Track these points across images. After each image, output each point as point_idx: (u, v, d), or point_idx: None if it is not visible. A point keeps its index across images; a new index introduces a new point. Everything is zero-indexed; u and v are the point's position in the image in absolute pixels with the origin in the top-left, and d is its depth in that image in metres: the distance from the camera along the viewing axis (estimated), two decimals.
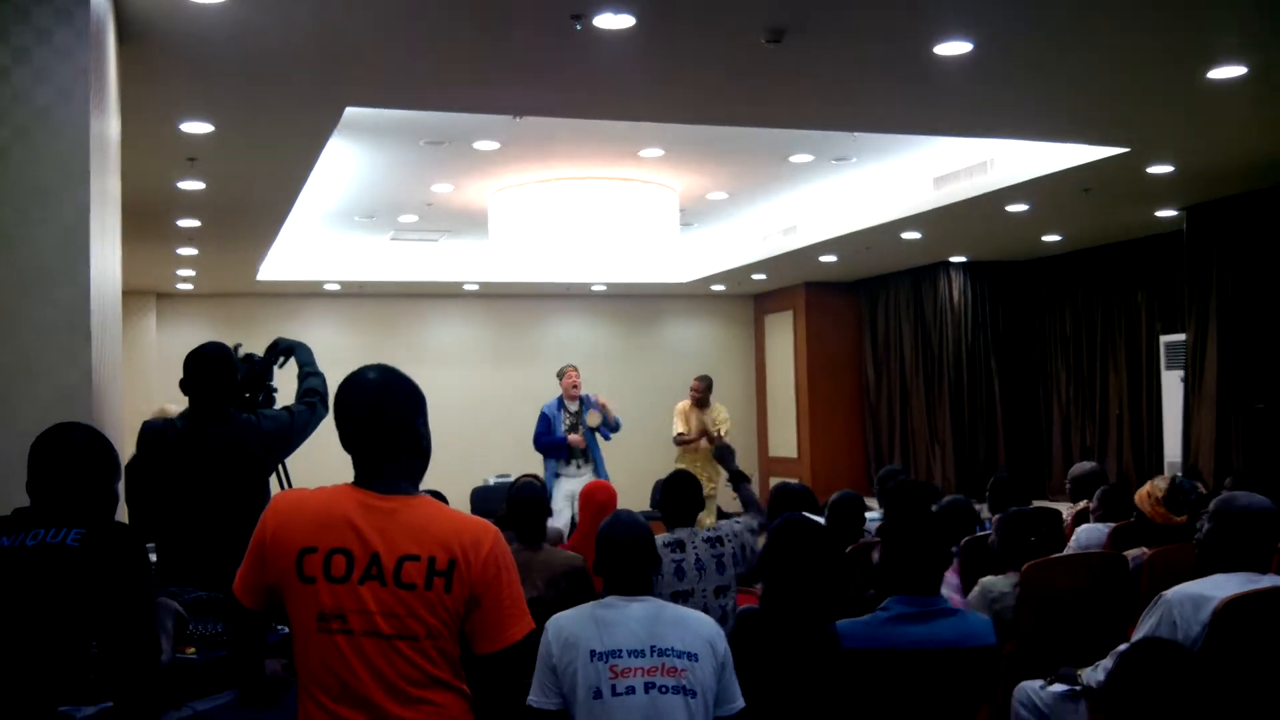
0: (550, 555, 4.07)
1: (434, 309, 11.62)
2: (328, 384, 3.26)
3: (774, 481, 11.82)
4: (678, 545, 3.87)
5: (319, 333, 11.25)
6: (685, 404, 8.75)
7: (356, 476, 1.94)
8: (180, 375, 3.07)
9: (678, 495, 4.05)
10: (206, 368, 3.13)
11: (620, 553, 2.96)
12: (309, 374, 3.31)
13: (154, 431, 3.06)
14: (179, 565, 2.94)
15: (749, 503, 3.90)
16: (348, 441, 1.95)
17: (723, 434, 8.63)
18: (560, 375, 8.30)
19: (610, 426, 8.22)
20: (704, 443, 8.59)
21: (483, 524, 1.93)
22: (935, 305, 10.41)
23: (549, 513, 4.35)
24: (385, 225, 8.98)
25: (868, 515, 5.05)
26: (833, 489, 5.64)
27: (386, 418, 1.91)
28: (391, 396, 1.94)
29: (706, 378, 8.83)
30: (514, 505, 4.17)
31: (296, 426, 3.11)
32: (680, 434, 8.59)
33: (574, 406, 8.11)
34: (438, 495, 3.70)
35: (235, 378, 3.19)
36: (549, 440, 8.03)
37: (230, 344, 3.21)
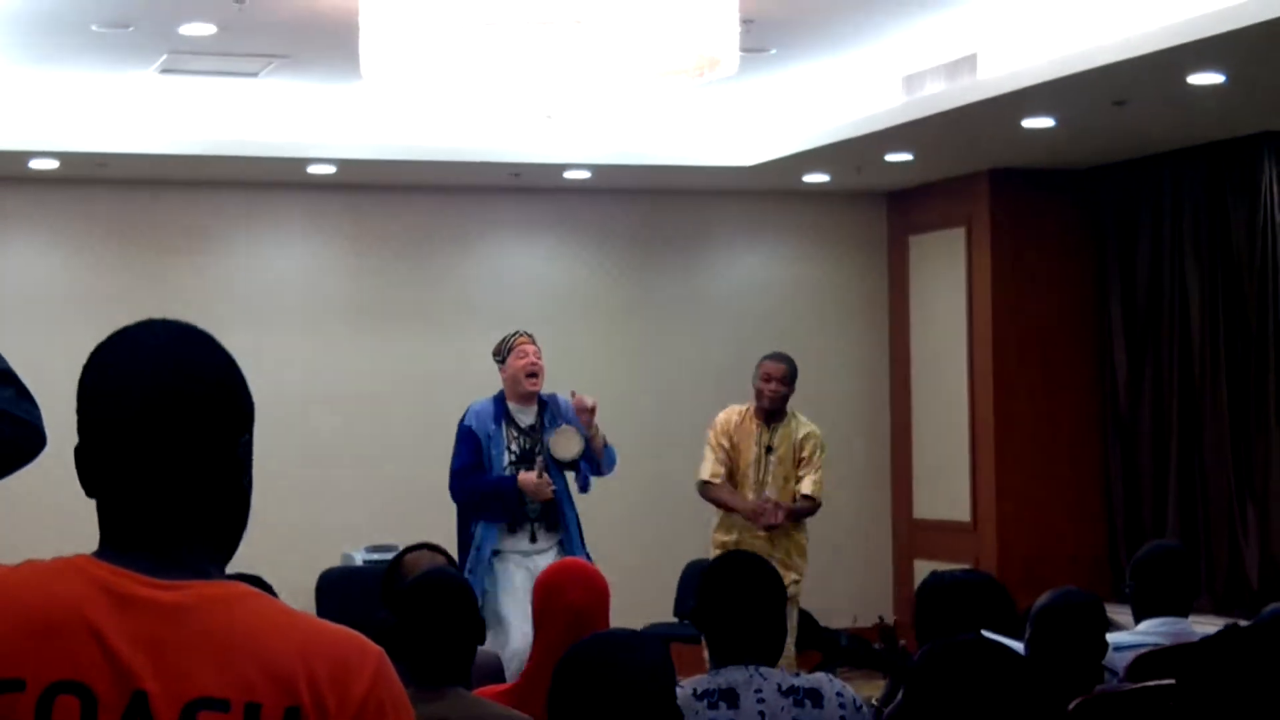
0: (474, 711, 3.90)
1: (250, 212, 10.87)
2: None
3: (924, 571, 11.62)
4: (725, 698, 3.88)
5: (17, 254, 10.45)
6: (737, 413, 8.35)
7: (104, 541, 1.93)
8: None
9: (737, 600, 3.94)
10: None
11: (604, 713, 2.94)
12: None
13: None
14: None
15: None
16: (98, 471, 1.93)
17: (805, 492, 8.18)
18: (503, 352, 7.69)
19: (595, 462, 7.63)
20: (780, 483, 8.26)
21: (354, 640, 1.94)
22: (1253, 222, 9.60)
23: (481, 628, 4.05)
24: (152, 45, 8.50)
25: (1113, 638, 4.86)
26: (1042, 584, 5.27)
27: (179, 429, 1.91)
28: (192, 385, 1.93)
29: (789, 362, 8.37)
30: (411, 608, 3.99)
31: None
32: (709, 480, 8.21)
33: (528, 415, 7.72)
34: (258, 582, 3.27)
35: None
36: (480, 484, 7.53)
37: None
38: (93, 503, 1.98)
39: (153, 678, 1.88)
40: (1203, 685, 3.35)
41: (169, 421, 1.92)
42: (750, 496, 8.22)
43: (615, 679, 3.10)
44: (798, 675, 3.98)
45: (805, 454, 8.25)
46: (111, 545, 1.94)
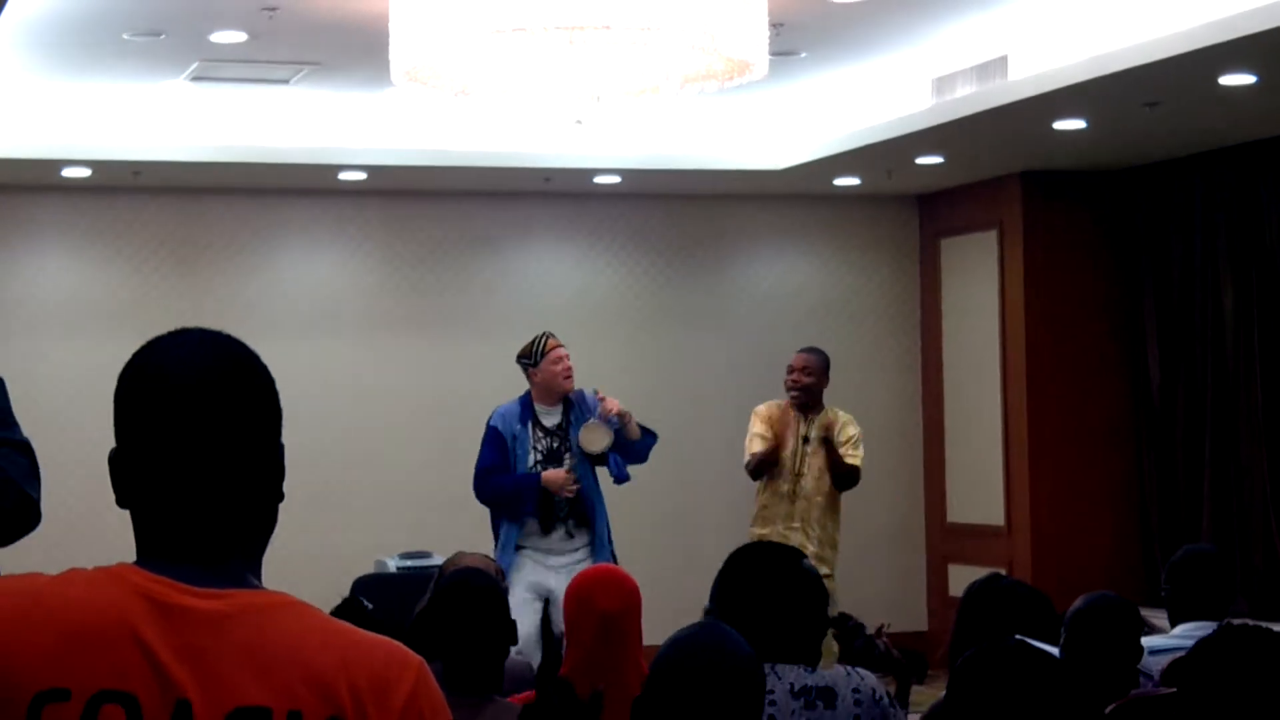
0: (508, 716, 3.88)
1: (281, 219, 10.92)
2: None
3: (958, 575, 10.87)
4: None
5: (49, 262, 10.44)
6: (778, 406, 8.52)
7: (142, 550, 1.93)
8: None
9: (754, 594, 3.80)
10: None
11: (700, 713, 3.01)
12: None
13: None
14: None
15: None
16: (138, 479, 1.92)
17: (846, 455, 8.30)
18: (534, 355, 7.65)
19: (632, 450, 7.62)
20: (817, 474, 8.36)
21: (395, 650, 1.92)
22: None
23: (511, 630, 4.06)
24: (183, 53, 8.57)
25: (1148, 642, 4.83)
26: (1077, 588, 5.43)
27: (227, 434, 1.91)
28: (231, 394, 1.92)
29: (817, 354, 8.60)
30: (444, 613, 3.97)
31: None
32: (757, 452, 8.31)
33: (554, 415, 7.74)
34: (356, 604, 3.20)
35: None
36: (504, 483, 7.58)
37: None
38: (126, 513, 1.97)
39: (195, 687, 1.89)
40: (1201, 688, 3.33)
41: (217, 427, 1.93)
42: (785, 488, 8.27)
43: (713, 682, 3.14)
44: (812, 673, 3.89)
45: (842, 437, 8.33)
46: (151, 554, 1.94)
